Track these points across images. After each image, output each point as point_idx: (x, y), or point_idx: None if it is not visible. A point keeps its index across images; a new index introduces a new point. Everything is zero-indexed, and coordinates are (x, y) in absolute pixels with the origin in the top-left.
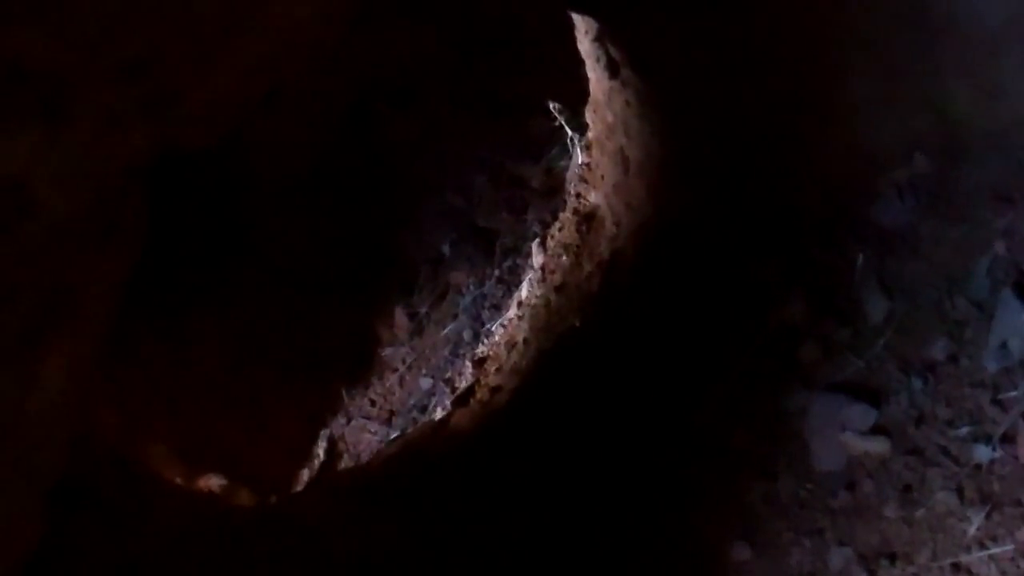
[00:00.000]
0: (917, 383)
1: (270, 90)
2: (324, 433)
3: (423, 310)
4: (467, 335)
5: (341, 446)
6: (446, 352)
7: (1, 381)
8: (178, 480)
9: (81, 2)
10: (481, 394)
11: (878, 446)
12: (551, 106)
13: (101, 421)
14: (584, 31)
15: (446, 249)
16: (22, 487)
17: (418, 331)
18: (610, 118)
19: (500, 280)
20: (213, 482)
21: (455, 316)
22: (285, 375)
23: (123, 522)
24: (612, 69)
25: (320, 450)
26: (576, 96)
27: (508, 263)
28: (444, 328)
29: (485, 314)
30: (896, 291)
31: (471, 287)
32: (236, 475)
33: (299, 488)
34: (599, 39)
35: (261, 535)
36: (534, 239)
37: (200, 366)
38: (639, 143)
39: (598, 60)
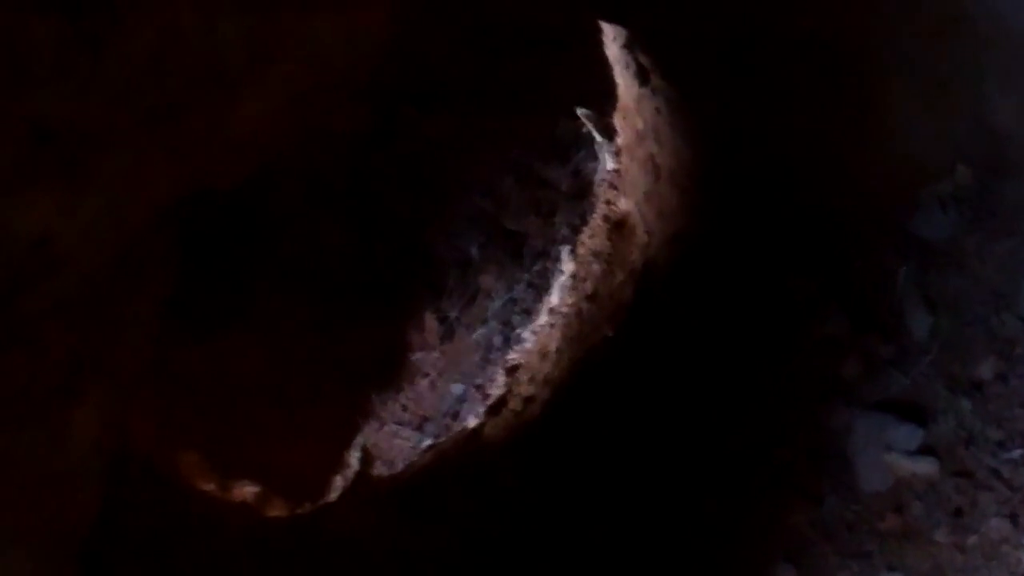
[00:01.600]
0: (965, 403)
1: (301, 126)
2: (357, 442)
3: (453, 314)
4: (498, 340)
5: (373, 452)
6: (477, 357)
7: (32, 440)
8: (211, 489)
9: (107, 60)
10: (514, 404)
11: (926, 467)
12: (579, 112)
13: (136, 432)
14: (612, 37)
15: (474, 252)
16: (53, 547)
17: (448, 336)
18: (640, 125)
19: (530, 284)
20: (247, 490)
21: (485, 321)
22: (316, 380)
23: (157, 537)
24: (642, 76)
25: (353, 459)
26: (604, 98)
27: (537, 267)
28: (474, 333)
29: (515, 319)
30: (940, 307)
31: (501, 291)
32: (269, 483)
33: (332, 496)
34: (628, 46)
35: (296, 548)
36: (563, 243)
37: (231, 372)
38: (671, 151)
39: (627, 67)
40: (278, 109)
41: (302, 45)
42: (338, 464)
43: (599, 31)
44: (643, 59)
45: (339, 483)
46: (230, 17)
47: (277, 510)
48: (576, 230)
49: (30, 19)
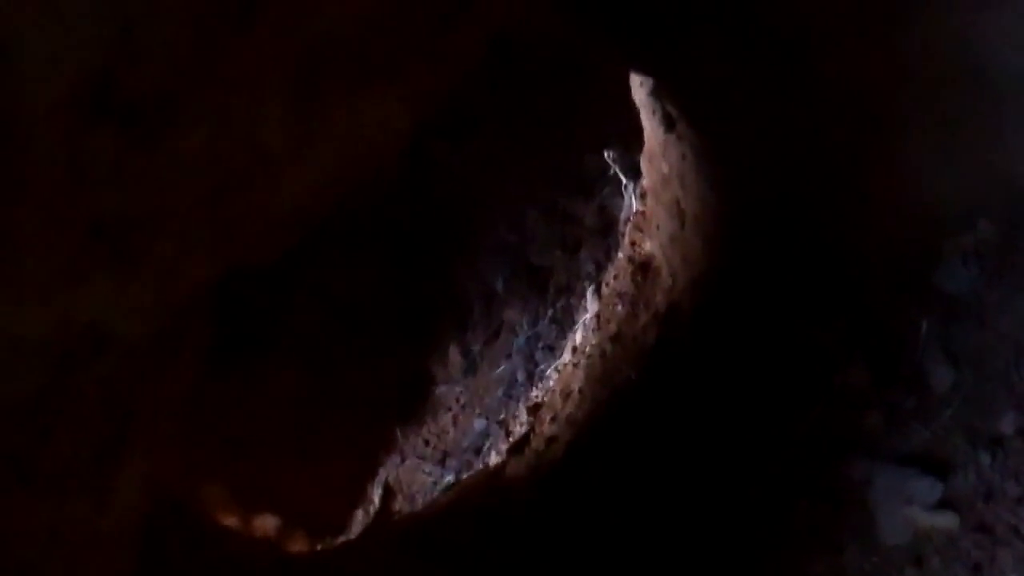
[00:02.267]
0: (985, 457)
1: (343, 196)
2: (379, 479)
3: (476, 348)
4: (521, 376)
5: (395, 487)
6: (500, 393)
7: (76, 509)
8: (234, 523)
9: (160, 157)
10: (536, 443)
11: (946, 521)
12: (605, 154)
13: (165, 466)
14: (639, 83)
15: (499, 286)
16: None
17: (472, 369)
18: (665, 169)
19: (554, 320)
20: (269, 523)
21: (508, 356)
22: (340, 413)
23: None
24: (668, 123)
25: (376, 496)
26: (630, 139)
27: (562, 303)
28: (498, 367)
29: (539, 355)
30: (962, 360)
31: (525, 326)
32: (291, 516)
33: (354, 531)
34: (654, 93)
35: None
36: (587, 279)
37: (258, 406)
38: (696, 196)
39: (653, 113)
40: (321, 185)
41: (345, 125)
42: (360, 498)
43: (627, 75)
44: (669, 107)
45: (361, 518)
46: (278, 106)
47: (299, 545)
48: (600, 266)
49: (89, 126)
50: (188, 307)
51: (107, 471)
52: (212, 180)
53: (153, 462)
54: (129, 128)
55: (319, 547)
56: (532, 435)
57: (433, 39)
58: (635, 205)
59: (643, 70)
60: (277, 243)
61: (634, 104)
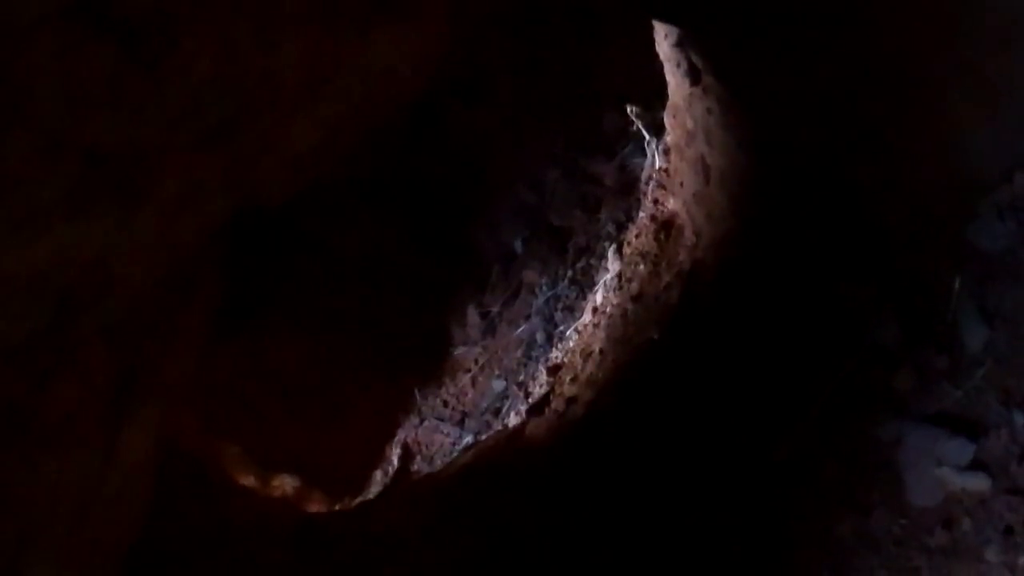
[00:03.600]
0: (1019, 418)
1: (356, 138)
2: (398, 440)
3: (495, 309)
4: (540, 337)
5: (413, 447)
6: (519, 354)
7: (81, 462)
8: (252, 483)
9: (162, 84)
10: (556, 404)
11: (977, 483)
12: (628, 109)
13: (181, 425)
14: (664, 35)
15: (518, 246)
16: (99, 563)
17: (490, 331)
18: (690, 124)
19: (573, 281)
20: (287, 483)
21: (528, 317)
22: (358, 374)
23: (200, 537)
24: (693, 76)
25: (394, 456)
26: (654, 95)
27: (582, 264)
28: (517, 328)
29: (558, 316)
30: (996, 319)
31: (544, 287)
32: (309, 476)
33: (372, 491)
34: (680, 45)
35: (337, 548)
36: (608, 239)
37: (275, 366)
38: (721, 152)
39: (678, 65)
40: (334, 125)
41: (359, 62)
42: (379, 458)
43: (650, 27)
44: (695, 58)
45: (379, 478)
46: (288, 38)
47: (317, 504)
48: (622, 227)
49: (84, 45)
50: (197, 251)
51: (114, 422)
52: (220, 112)
53: (164, 416)
54: (129, 48)
55: (337, 507)
56: (552, 396)
57: None
58: (658, 162)
59: (667, 20)
60: (290, 183)
61: (658, 57)
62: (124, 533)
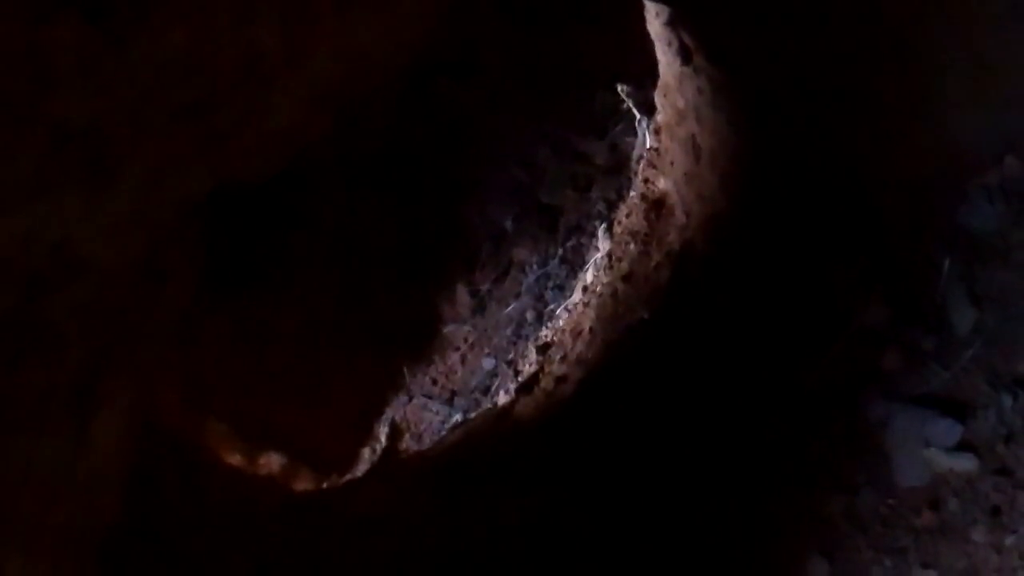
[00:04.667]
0: (1006, 399)
1: (337, 118)
2: (386, 417)
3: (485, 287)
4: (530, 316)
5: (402, 425)
6: (508, 332)
7: (52, 446)
8: (238, 461)
9: (132, 59)
10: (545, 383)
11: (965, 464)
12: (619, 88)
13: (163, 403)
14: (655, 13)
15: (509, 225)
16: (73, 550)
17: (480, 309)
18: (681, 104)
19: (564, 260)
20: (273, 460)
21: (518, 295)
22: (347, 351)
23: (183, 516)
24: (684, 55)
25: (382, 435)
26: (644, 73)
27: (572, 242)
28: (507, 307)
29: (548, 295)
30: (985, 300)
31: (534, 265)
32: (297, 453)
33: (360, 469)
34: (671, 24)
35: (324, 527)
36: (599, 218)
37: (261, 342)
38: (712, 132)
39: (669, 44)
40: (314, 102)
41: (340, 40)
42: (367, 436)
43: (641, 6)
44: (686, 38)
45: (367, 456)
46: (265, 15)
47: (304, 483)
48: (612, 205)
49: (49, 19)
50: (173, 229)
51: (86, 407)
52: (196, 87)
53: (139, 397)
54: (97, 22)
55: (324, 485)
56: (541, 375)
57: None
58: (649, 141)
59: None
60: (270, 159)
61: (649, 36)
62: (98, 519)
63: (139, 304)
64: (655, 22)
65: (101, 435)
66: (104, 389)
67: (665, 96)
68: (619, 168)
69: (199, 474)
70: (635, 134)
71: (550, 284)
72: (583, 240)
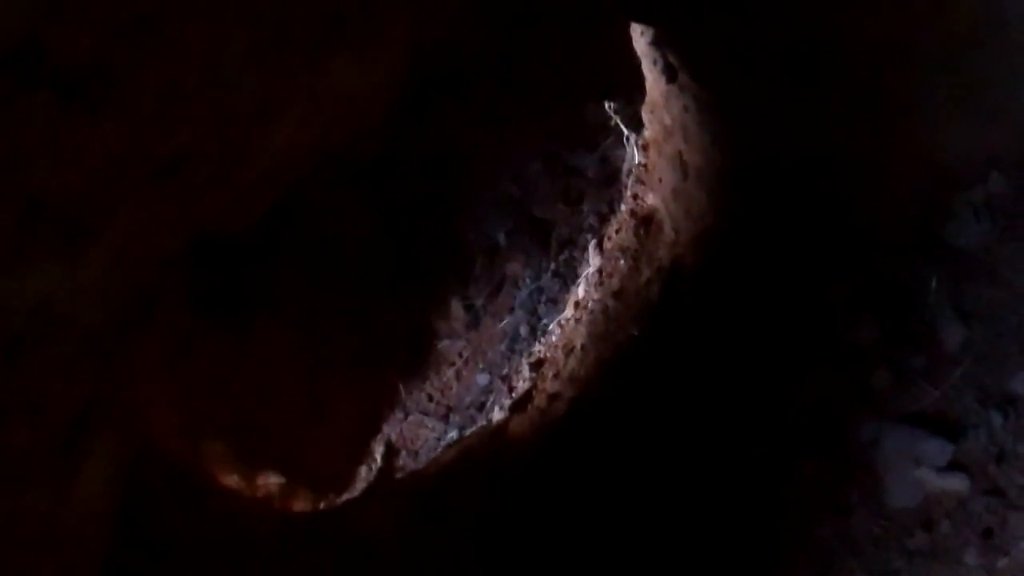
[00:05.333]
0: (997, 418)
1: (317, 164)
2: (382, 437)
3: (479, 302)
4: (524, 330)
5: (398, 443)
6: (503, 347)
7: (36, 500)
8: (234, 482)
9: (104, 126)
10: (539, 400)
11: (956, 484)
12: (607, 105)
13: (158, 422)
14: (640, 32)
15: (502, 239)
16: None
17: (474, 324)
18: (668, 121)
19: (556, 273)
20: (271, 481)
21: (511, 310)
22: (342, 368)
23: (179, 538)
24: (670, 73)
25: (377, 455)
26: (632, 89)
27: (565, 256)
28: (501, 321)
29: (542, 308)
30: (973, 318)
31: (527, 279)
32: (294, 473)
33: (357, 488)
34: (655, 43)
35: (319, 549)
36: (591, 232)
37: (257, 361)
38: (699, 149)
39: (655, 63)
40: (291, 150)
41: (315, 89)
42: (364, 454)
43: (627, 24)
44: (671, 57)
45: (364, 474)
46: (239, 68)
47: (301, 503)
48: (604, 219)
49: (19, 97)
50: (154, 281)
51: (69, 460)
52: (170, 147)
53: (126, 445)
54: (67, 97)
55: (322, 505)
56: (534, 392)
57: None
58: (637, 157)
59: (643, 19)
60: (250, 208)
61: (635, 53)
62: (85, 569)
63: (121, 354)
64: (640, 40)
65: (86, 486)
66: (89, 441)
67: (652, 113)
68: (610, 181)
69: (196, 496)
70: (624, 148)
71: (543, 298)
72: (576, 253)
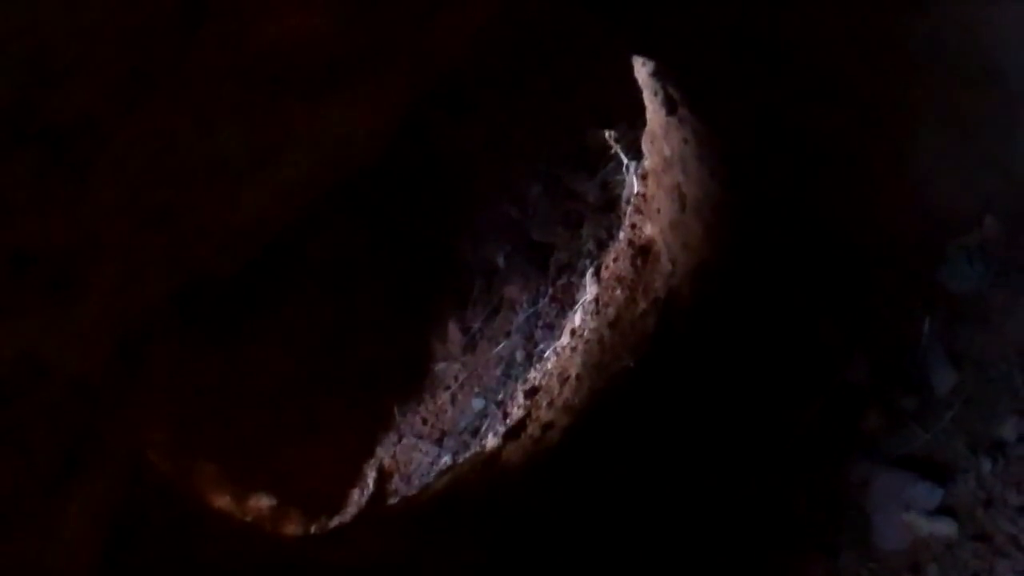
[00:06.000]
0: (986, 463)
1: (308, 208)
2: (375, 460)
3: (476, 325)
4: (520, 356)
5: (391, 466)
6: (498, 372)
7: (22, 541)
8: (227, 503)
9: (92, 181)
10: (533, 429)
11: (944, 528)
12: (607, 134)
13: (151, 443)
14: (641, 63)
15: (501, 261)
16: None
17: (471, 347)
18: (667, 152)
19: (554, 298)
20: (263, 504)
21: (508, 334)
22: (337, 388)
23: (169, 564)
24: (670, 105)
25: (370, 478)
26: (632, 116)
27: (563, 281)
28: (497, 345)
29: (539, 334)
30: (965, 362)
31: (525, 304)
32: (286, 494)
33: (349, 511)
34: (656, 75)
35: (309, 573)
36: (589, 257)
37: (252, 379)
38: (697, 182)
39: (655, 94)
40: (283, 193)
41: (309, 134)
42: (356, 477)
43: (629, 55)
44: (671, 90)
45: (356, 498)
46: (230, 119)
47: (293, 525)
48: (602, 244)
49: (9, 155)
50: (142, 325)
51: (56, 502)
52: (160, 198)
53: (110, 490)
54: (56, 153)
55: (313, 528)
56: (529, 420)
57: (410, 36)
58: (636, 186)
59: (643, 52)
60: (240, 253)
61: (636, 83)
62: None
63: (109, 396)
64: (642, 71)
65: (72, 527)
66: (76, 483)
67: (652, 143)
68: (609, 207)
69: (187, 521)
70: (624, 175)
71: (540, 323)
72: (574, 279)
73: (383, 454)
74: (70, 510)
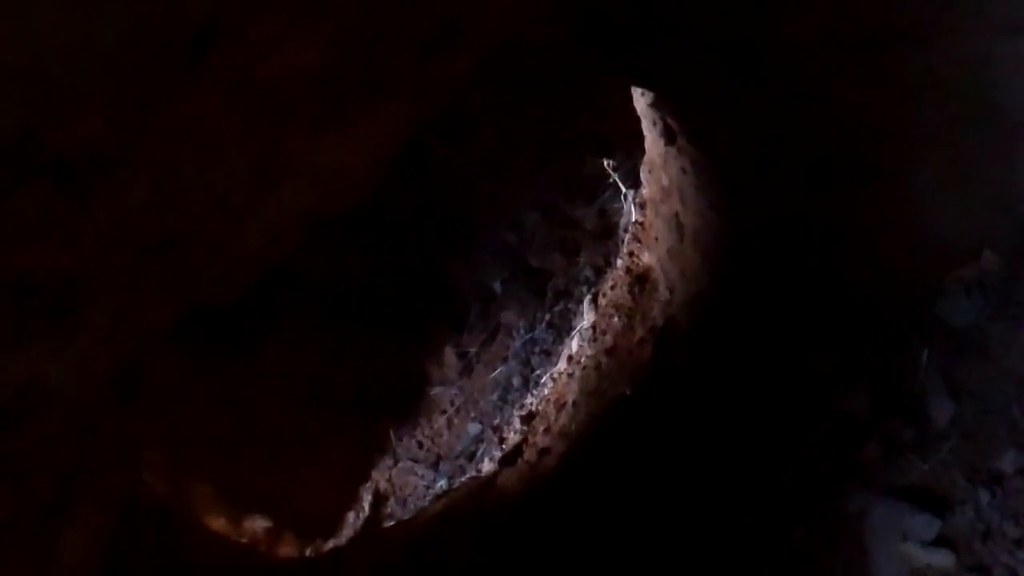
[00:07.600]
0: (984, 495)
1: (309, 236)
2: (372, 481)
3: (473, 350)
4: (516, 381)
5: (387, 489)
6: (495, 397)
7: (18, 567)
8: (222, 525)
9: (96, 212)
10: (529, 454)
11: (942, 560)
12: (605, 162)
13: (147, 465)
14: (640, 92)
15: (497, 287)
16: None
17: (467, 371)
18: (665, 181)
19: (551, 325)
20: (258, 524)
21: (505, 359)
22: (333, 411)
23: None
24: (668, 135)
25: (366, 502)
26: (631, 145)
27: (559, 307)
28: (494, 370)
29: (535, 359)
30: (963, 394)
31: (521, 329)
32: (281, 517)
33: (345, 534)
34: (655, 105)
35: None
36: (586, 284)
37: (247, 403)
38: (695, 212)
39: (654, 124)
40: (284, 224)
41: (309, 165)
42: (352, 499)
43: (628, 85)
44: (670, 120)
45: (352, 520)
46: (232, 154)
47: (288, 547)
48: (600, 272)
49: (15, 187)
50: (140, 360)
51: (52, 531)
52: (163, 229)
53: (106, 516)
54: (60, 184)
55: (308, 551)
56: (525, 445)
57: (412, 70)
58: (634, 214)
59: (642, 83)
60: (240, 282)
61: (635, 113)
62: None
63: (106, 424)
64: (640, 101)
65: (68, 553)
66: (72, 509)
67: (650, 172)
68: (607, 234)
69: (182, 543)
70: (622, 203)
71: (536, 349)
72: (570, 305)
73: (379, 477)
74: (67, 536)
